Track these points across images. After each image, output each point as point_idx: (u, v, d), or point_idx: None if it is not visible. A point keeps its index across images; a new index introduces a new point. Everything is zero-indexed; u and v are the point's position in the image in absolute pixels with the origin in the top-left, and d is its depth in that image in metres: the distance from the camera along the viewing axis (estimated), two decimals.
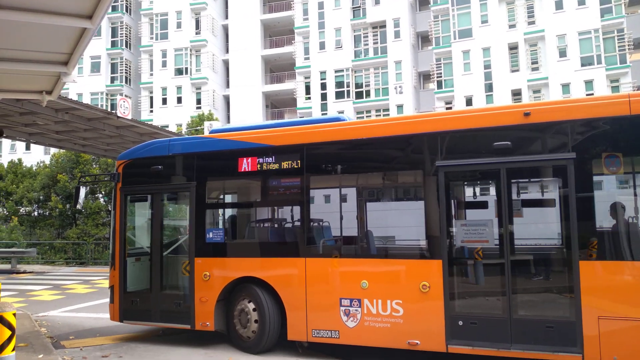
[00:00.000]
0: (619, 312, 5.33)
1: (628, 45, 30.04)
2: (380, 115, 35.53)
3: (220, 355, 7.03)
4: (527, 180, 6.97)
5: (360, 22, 37.30)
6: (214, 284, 7.43)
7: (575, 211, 5.59)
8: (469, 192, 7.47)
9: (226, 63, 43.08)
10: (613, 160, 5.68)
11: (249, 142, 7.51)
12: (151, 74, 42.04)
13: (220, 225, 8.46)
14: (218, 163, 7.83)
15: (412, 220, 6.85)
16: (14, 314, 3.79)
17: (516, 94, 32.61)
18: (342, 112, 36.35)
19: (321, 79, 37.78)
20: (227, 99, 42.76)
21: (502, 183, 5.99)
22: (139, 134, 18.54)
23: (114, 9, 42.55)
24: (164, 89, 41.22)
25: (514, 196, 6.33)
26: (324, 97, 37.56)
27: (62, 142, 19.67)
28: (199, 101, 40.67)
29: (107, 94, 42.14)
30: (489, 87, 33.15)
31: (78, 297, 13.09)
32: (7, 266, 21.76)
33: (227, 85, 42.92)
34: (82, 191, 8.54)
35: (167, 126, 35.83)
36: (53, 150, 30.24)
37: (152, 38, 42.15)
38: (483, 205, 6.92)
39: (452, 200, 6.66)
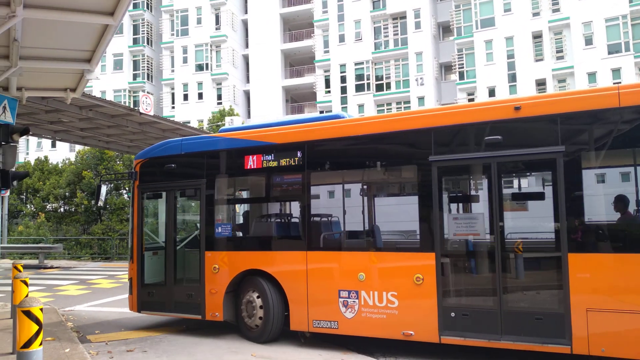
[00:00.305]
0: (607, 304, 5.38)
1: None
2: (401, 108, 35.23)
3: (243, 350, 7.04)
4: (517, 173, 7.07)
5: (380, 13, 36.92)
6: (222, 277, 7.70)
7: (564, 204, 5.64)
8: (462, 186, 7.58)
9: (246, 58, 43.20)
10: (602, 152, 5.75)
11: (254, 141, 7.74)
12: (172, 70, 42.46)
13: (228, 221, 8.65)
14: (225, 161, 8.09)
15: (407, 214, 6.95)
16: (41, 309, 3.82)
17: (540, 83, 31.86)
18: (362, 105, 36.19)
19: (341, 72, 37.56)
20: (247, 94, 42.92)
21: (493, 177, 6.08)
22: (162, 130, 18.72)
23: (135, 6, 43.06)
24: (185, 85, 41.57)
25: (505, 190, 6.42)
26: (343, 90, 37.36)
27: (87, 139, 19.99)
28: (219, 97, 40.91)
29: (129, 91, 42.73)
30: (513, 78, 32.47)
31: (103, 292, 13.30)
32: (35, 261, 22.23)
33: (247, 80, 43.08)
34: (103, 189, 8.99)
35: (189, 122, 36.13)
36: (78, 147, 30.80)
37: (172, 34, 42.53)
38: (475, 199, 7.04)
39: (445, 194, 6.77)
